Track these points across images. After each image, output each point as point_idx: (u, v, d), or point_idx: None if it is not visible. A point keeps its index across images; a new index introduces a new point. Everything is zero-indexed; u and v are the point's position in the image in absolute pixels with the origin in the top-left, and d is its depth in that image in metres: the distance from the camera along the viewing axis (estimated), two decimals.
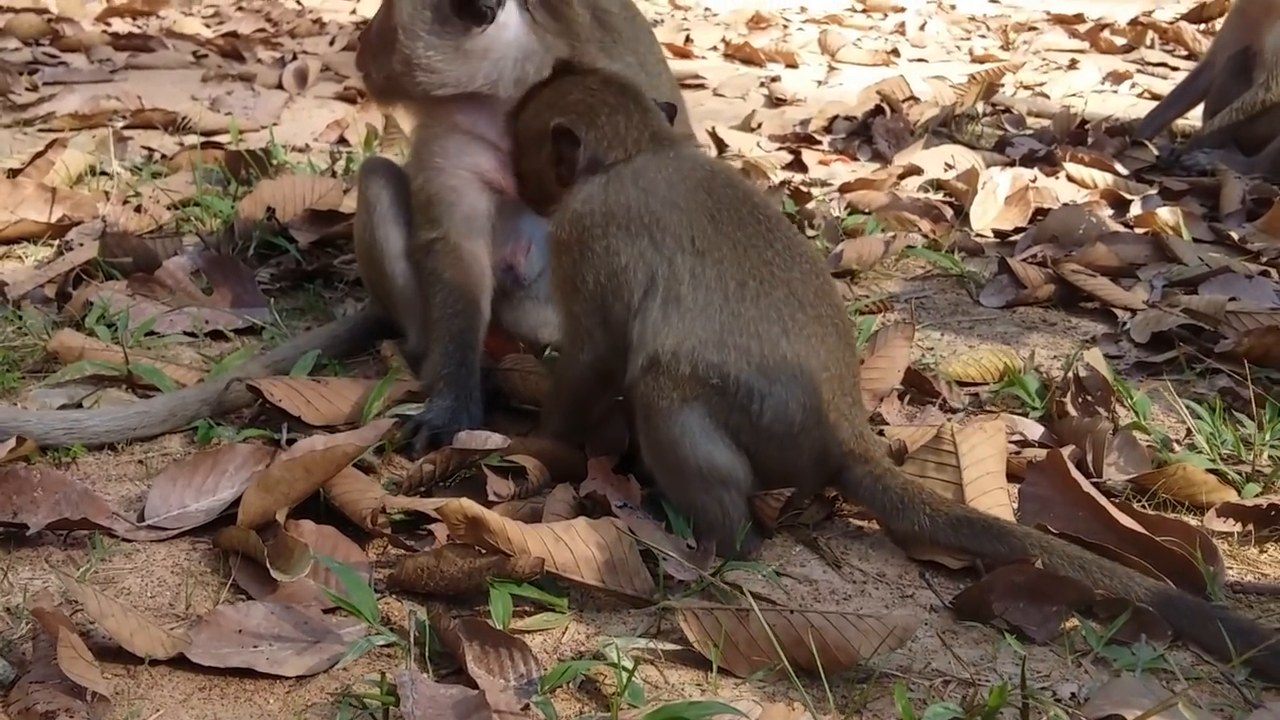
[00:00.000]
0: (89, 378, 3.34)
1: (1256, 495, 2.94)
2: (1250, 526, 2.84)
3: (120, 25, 7.87)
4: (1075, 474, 2.83)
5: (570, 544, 2.46)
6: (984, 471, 2.84)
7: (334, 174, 4.99)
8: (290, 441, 2.97)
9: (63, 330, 3.53)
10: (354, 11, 8.75)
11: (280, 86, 6.65)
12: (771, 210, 2.85)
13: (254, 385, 3.13)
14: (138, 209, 4.43)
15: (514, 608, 2.41)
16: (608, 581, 2.46)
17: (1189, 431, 3.26)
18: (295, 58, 7.08)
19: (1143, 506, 2.89)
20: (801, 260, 2.74)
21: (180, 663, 2.26)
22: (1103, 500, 2.76)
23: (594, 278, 2.72)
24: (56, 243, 4.28)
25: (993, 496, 2.81)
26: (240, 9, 8.70)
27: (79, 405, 3.22)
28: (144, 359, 3.41)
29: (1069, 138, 5.99)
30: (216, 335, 3.70)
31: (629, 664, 2.22)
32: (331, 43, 7.69)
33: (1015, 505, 2.85)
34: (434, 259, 3.35)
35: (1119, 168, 5.48)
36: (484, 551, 2.47)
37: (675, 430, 2.62)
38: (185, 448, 3.09)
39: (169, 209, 4.52)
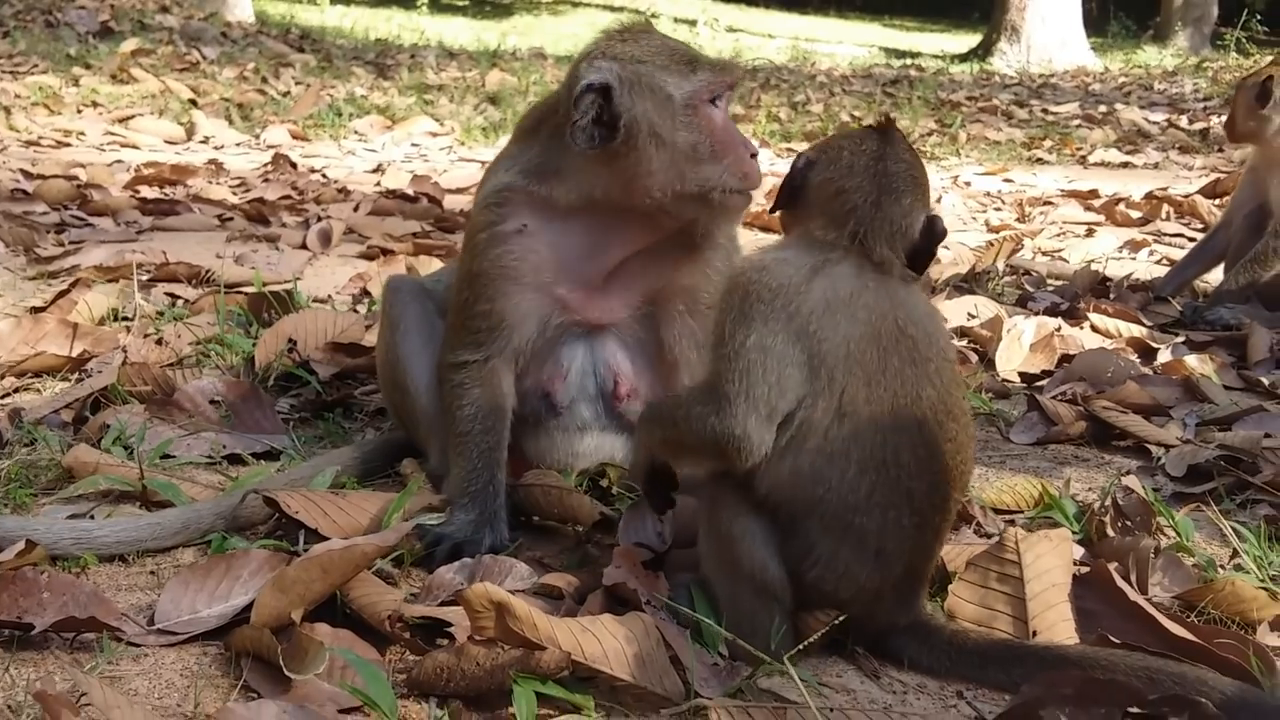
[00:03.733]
0: (103, 493, 3.27)
1: None
2: None
3: (148, 192, 7.98)
4: (1122, 584, 2.73)
5: (599, 636, 2.35)
6: (1049, 584, 2.71)
7: (355, 310, 4.98)
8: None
9: (78, 446, 3.47)
10: (378, 184, 8.86)
11: (304, 247, 6.69)
12: (938, 404, 2.53)
13: (271, 497, 3.06)
14: (159, 342, 4.41)
15: (538, 709, 2.30)
16: (637, 677, 2.35)
17: (1234, 553, 3.15)
18: (320, 220, 7.15)
19: (1194, 622, 2.78)
20: (937, 465, 2.51)
21: None
22: (1152, 609, 2.66)
23: (741, 340, 2.45)
24: (75, 376, 4.25)
25: (1058, 611, 2.69)
26: (266, 179, 8.82)
27: (91, 518, 3.14)
28: (161, 477, 3.34)
29: (1091, 292, 5.97)
30: (234, 459, 3.64)
31: None
32: (356, 209, 7.75)
33: None
34: (464, 374, 3.24)
35: (1143, 319, 5.45)
36: (507, 648, 2.36)
37: (737, 529, 2.52)
38: (199, 560, 3.00)
39: (190, 344, 4.50)
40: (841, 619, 2.52)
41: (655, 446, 2.68)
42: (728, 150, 3.08)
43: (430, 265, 5.71)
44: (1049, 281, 6.44)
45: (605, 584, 2.67)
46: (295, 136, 11.13)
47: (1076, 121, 14.89)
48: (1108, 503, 3.33)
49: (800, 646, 2.50)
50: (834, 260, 2.52)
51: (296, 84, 14.26)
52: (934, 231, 2.60)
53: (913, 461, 2.48)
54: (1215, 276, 6.15)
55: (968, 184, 10.13)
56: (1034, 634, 2.64)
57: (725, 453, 2.45)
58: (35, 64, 13.49)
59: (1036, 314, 5.48)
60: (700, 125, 3.07)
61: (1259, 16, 29.83)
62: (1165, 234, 8.13)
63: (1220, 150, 12.59)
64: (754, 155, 3.10)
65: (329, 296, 5.59)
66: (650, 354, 3.34)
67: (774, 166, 10.75)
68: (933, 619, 2.65)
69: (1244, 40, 26.47)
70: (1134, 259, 7.28)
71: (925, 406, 2.51)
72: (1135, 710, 2.26)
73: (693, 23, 32.08)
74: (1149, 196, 9.11)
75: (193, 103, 12.23)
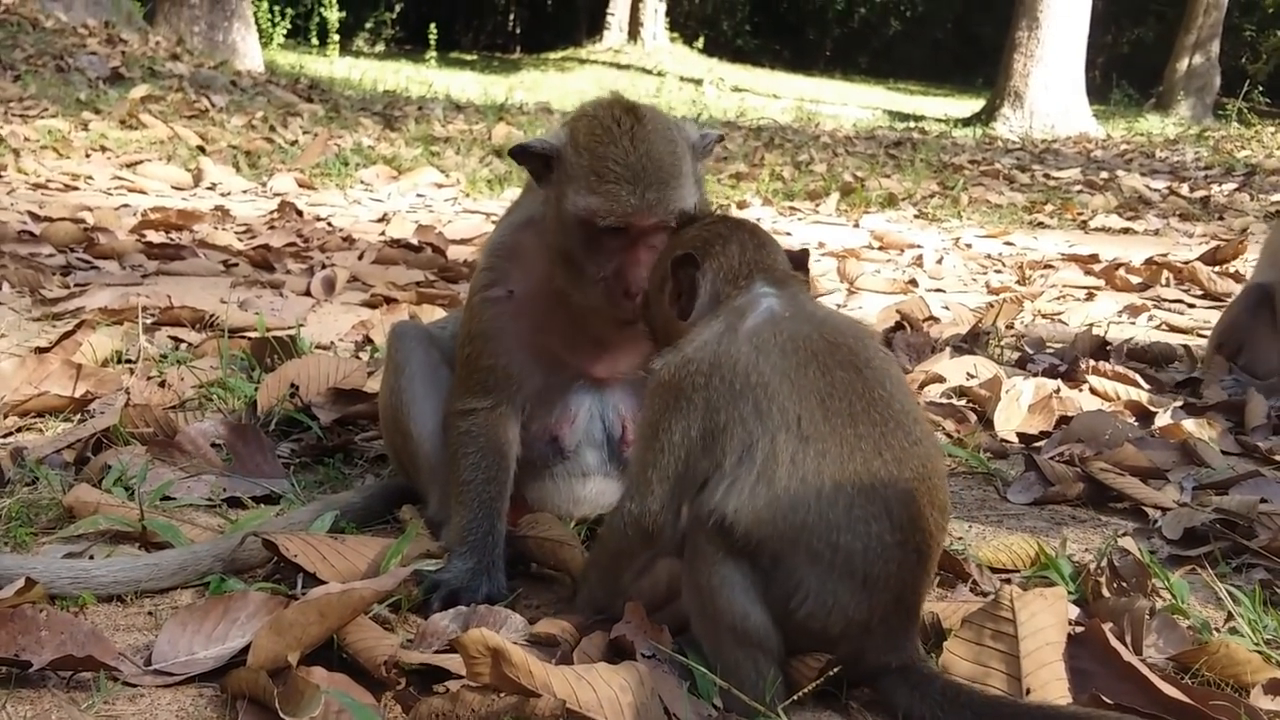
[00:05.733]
0: (102, 533, 3.28)
1: None
2: None
3: (154, 236, 8.02)
4: (1115, 644, 2.73)
5: (593, 684, 2.36)
6: (1043, 643, 2.69)
7: (358, 357, 5.01)
8: None
9: (79, 486, 3.49)
10: (383, 233, 8.92)
11: (308, 293, 6.72)
12: (894, 404, 2.61)
13: (270, 540, 3.06)
14: (161, 384, 4.43)
15: None
16: None
17: (1228, 617, 3.16)
18: (324, 268, 7.19)
19: (1188, 684, 2.78)
20: (910, 473, 2.55)
21: None
22: (1145, 670, 2.66)
23: (682, 430, 2.59)
24: (77, 417, 4.27)
25: (1051, 669, 2.66)
26: (272, 226, 8.88)
27: (90, 557, 3.15)
28: (161, 518, 3.35)
29: (1091, 355, 5.99)
30: (234, 502, 3.65)
31: None
32: (360, 257, 7.81)
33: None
34: (471, 421, 3.26)
35: (1141, 382, 5.47)
36: (502, 695, 2.37)
37: (715, 580, 2.53)
38: (197, 602, 3.00)
39: (193, 388, 4.52)
40: (835, 669, 2.53)
41: (598, 584, 2.89)
42: (599, 276, 3.08)
43: (433, 314, 5.75)
44: (1048, 344, 6.46)
45: (612, 637, 2.68)
46: (302, 185, 11.20)
47: (1078, 187, 15.00)
48: (1104, 563, 3.34)
49: (795, 698, 2.50)
50: (742, 312, 2.68)
51: (304, 133, 14.36)
52: (805, 254, 2.94)
53: (883, 469, 2.52)
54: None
55: (969, 246, 10.19)
56: (1027, 692, 2.64)
57: (643, 533, 2.65)
58: (45, 108, 13.58)
59: (1035, 375, 5.51)
60: (578, 238, 3.07)
61: (1260, 87, 30.11)
62: (1165, 299, 8.18)
63: (1221, 218, 12.67)
64: (633, 292, 3.03)
65: (331, 343, 5.61)
66: None
67: (775, 224, 10.83)
68: (927, 666, 2.64)
69: (1245, 111, 26.67)
70: (1133, 323, 7.31)
71: (883, 409, 2.58)
72: None
73: (699, 82, 32.38)
74: (1149, 262, 9.17)
75: (201, 149, 12.31)
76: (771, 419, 2.52)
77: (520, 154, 3.16)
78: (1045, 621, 2.73)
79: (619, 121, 3.06)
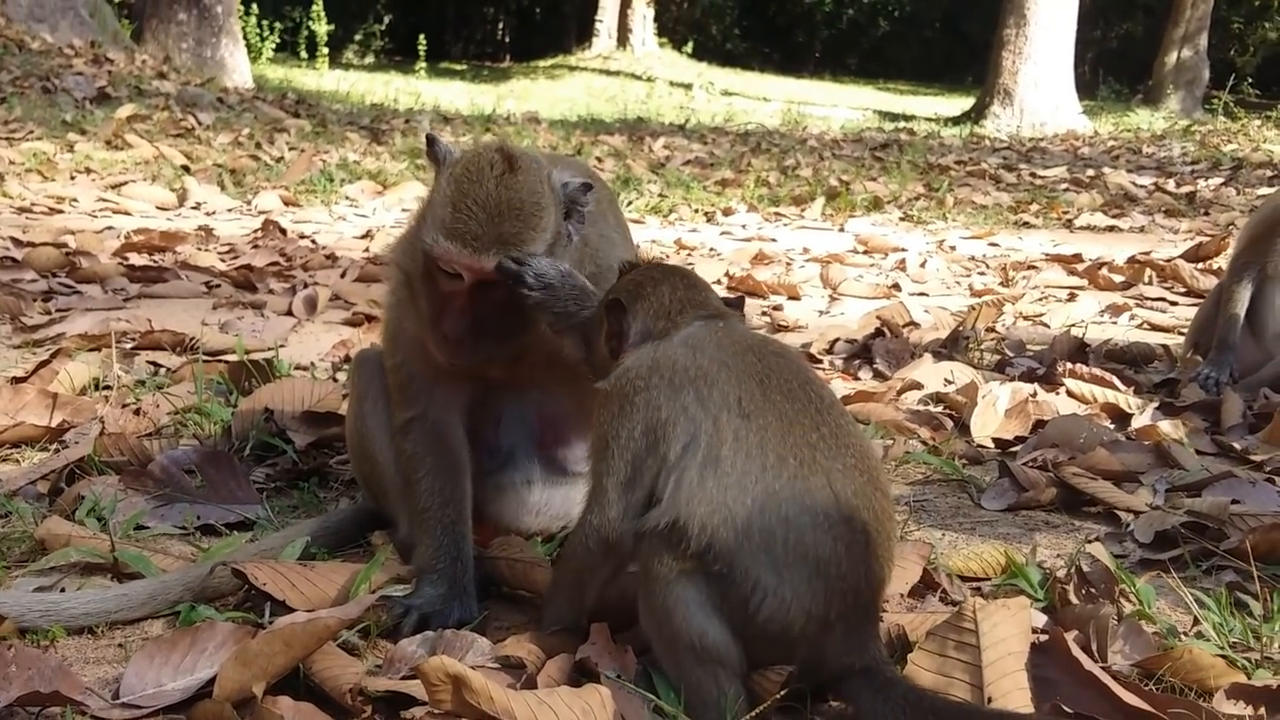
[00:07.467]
0: (74, 564, 3.29)
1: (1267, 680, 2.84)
2: (1262, 710, 2.73)
3: (137, 259, 8.02)
4: (1077, 652, 2.75)
5: (555, 709, 2.38)
6: (1005, 652, 2.71)
7: (334, 379, 5.03)
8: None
9: (50, 518, 3.50)
10: (367, 250, 8.93)
11: (290, 313, 6.74)
12: (825, 391, 2.76)
13: (239, 569, 3.08)
14: (136, 412, 4.44)
15: None
16: None
17: (1195, 621, 3.17)
18: (306, 287, 7.21)
19: (1150, 690, 2.80)
20: (847, 451, 2.64)
21: None
22: (1107, 679, 2.68)
23: (628, 432, 2.67)
24: (54, 446, 4.28)
25: (1013, 679, 2.68)
26: (255, 245, 8.88)
27: (61, 590, 3.16)
28: (132, 548, 3.37)
29: (1069, 358, 6.01)
30: (208, 530, 3.66)
31: None
32: (343, 275, 7.82)
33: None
34: (413, 441, 3.30)
35: (1118, 384, 5.48)
36: None
37: (670, 600, 2.55)
38: (167, 632, 3.02)
39: (169, 414, 4.53)
40: (798, 681, 2.55)
41: (563, 601, 2.93)
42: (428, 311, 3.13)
43: None
44: (1028, 346, 6.48)
45: (576, 659, 2.70)
46: (286, 202, 11.21)
47: (1064, 185, 15.02)
48: (1072, 570, 3.36)
49: (757, 711, 2.52)
50: (678, 327, 2.83)
51: (290, 149, 14.36)
52: (741, 301, 3.04)
53: (820, 443, 2.62)
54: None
55: (953, 248, 10.22)
56: (989, 701, 2.65)
57: (605, 545, 2.72)
58: (31, 130, 13.58)
59: (1013, 379, 5.53)
60: (420, 265, 3.13)
61: (1249, 80, 30.15)
62: (1147, 298, 8.20)
63: (1206, 213, 12.69)
64: (450, 339, 3.08)
65: (311, 364, 5.63)
66: (571, 403, 3.42)
67: (761, 230, 10.85)
68: (890, 668, 2.65)
69: (1231, 104, 26.69)
70: (1115, 323, 7.34)
71: (816, 390, 2.73)
72: None
73: (688, 86, 32.38)
74: (1132, 261, 9.19)
75: (186, 169, 12.31)
76: (713, 402, 2.63)
77: (430, 142, 3.22)
78: (1008, 631, 2.76)
79: (491, 164, 3.07)
